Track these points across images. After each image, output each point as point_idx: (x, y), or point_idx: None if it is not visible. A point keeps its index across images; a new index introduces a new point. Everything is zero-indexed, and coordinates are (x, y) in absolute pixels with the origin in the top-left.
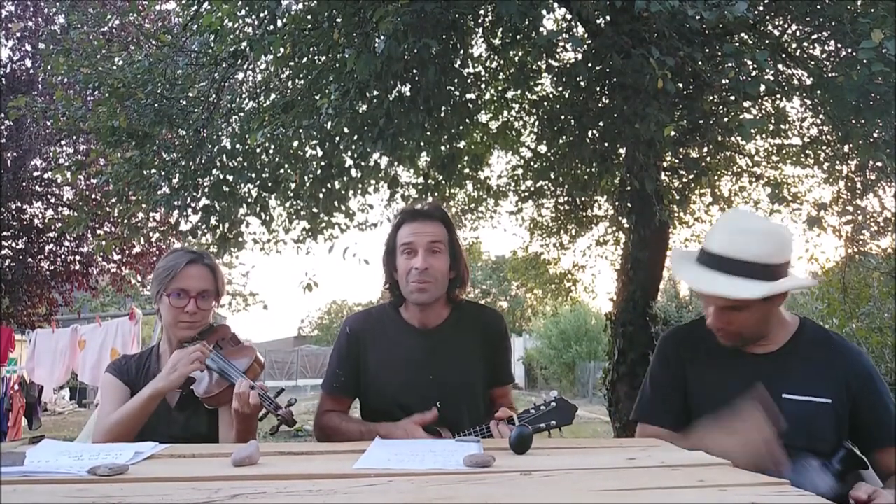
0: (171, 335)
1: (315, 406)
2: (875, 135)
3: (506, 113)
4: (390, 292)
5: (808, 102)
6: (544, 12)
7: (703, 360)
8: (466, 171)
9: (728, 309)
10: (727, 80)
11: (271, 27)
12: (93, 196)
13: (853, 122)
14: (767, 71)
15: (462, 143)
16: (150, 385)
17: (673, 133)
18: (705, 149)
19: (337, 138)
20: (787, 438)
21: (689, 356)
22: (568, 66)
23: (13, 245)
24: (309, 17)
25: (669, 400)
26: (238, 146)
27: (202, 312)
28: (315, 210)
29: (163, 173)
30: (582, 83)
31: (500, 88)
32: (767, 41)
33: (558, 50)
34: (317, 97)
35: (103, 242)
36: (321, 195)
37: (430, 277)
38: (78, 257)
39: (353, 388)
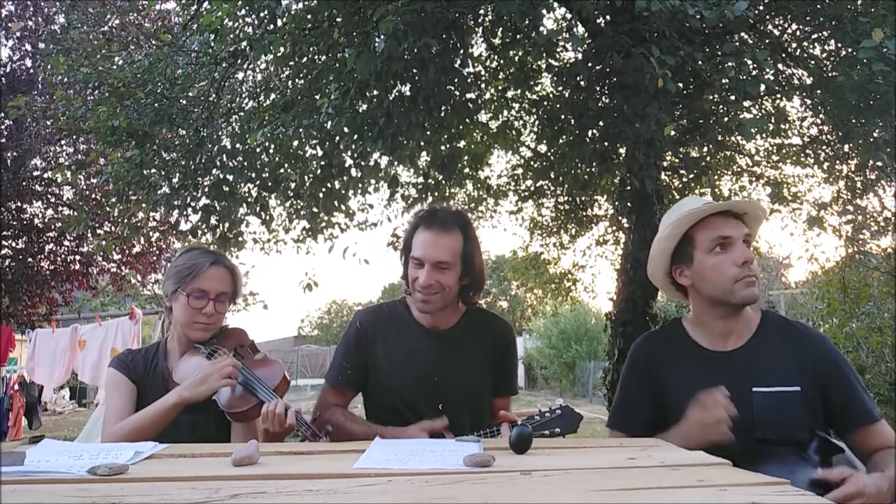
0: (182, 334)
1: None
2: (875, 135)
3: (506, 113)
4: (406, 284)
5: (808, 102)
6: (544, 12)
7: (675, 363)
8: (466, 170)
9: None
10: (727, 80)
11: (271, 27)
12: (93, 196)
13: (853, 121)
14: (767, 70)
15: (462, 143)
16: (175, 393)
17: (673, 133)
18: (705, 148)
19: (337, 138)
20: (762, 431)
21: (662, 362)
22: (568, 65)
23: (13, 245)
24: (309, 16)
25: (638, 408)
26: (238, 146)
27: (218, 315)
28: (315, 210)
29: (163, 173)
30: (582, 83)
31: (500, 88)
32: (767, 41)
33: (558, 49)
34: (317, 97)
35: (103, 242)
36: (321, 195)
37: (435, 291)
38: (78, 257)
39: (358, 382)
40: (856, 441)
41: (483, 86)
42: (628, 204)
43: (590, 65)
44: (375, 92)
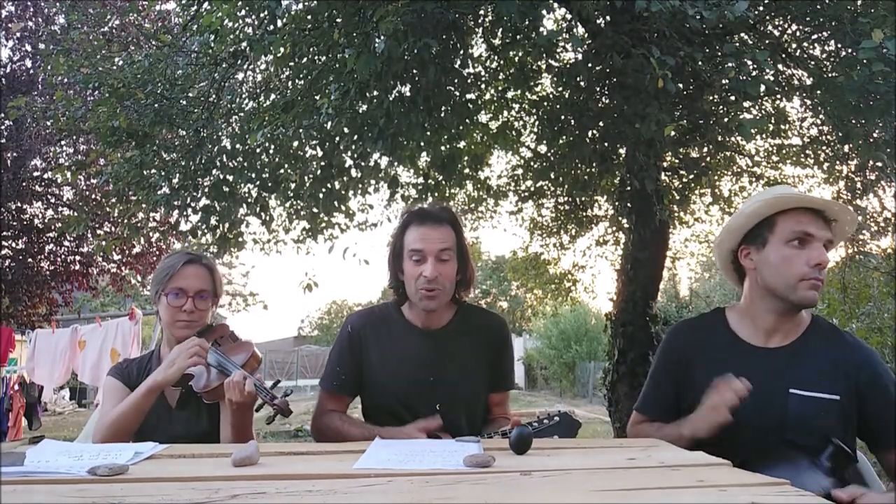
0: (170, 335)
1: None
2: (875, 135)
3: (506, 113)
4: (394, 292)
5: (808, 102)
6: (544, 12)
7: (710, 353)
8: (466, 171)
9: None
10: (727, 80)
11: (271, 27)
12: (93, 196)
13: (853, 122)
14: (767, 71)
15: (462, 143)
16: (148, 378)
17: (673, 133)
18: (705, 149)
19: (337, 138)
20: (793, 435)
21: (696, 350)
22: (568, 66)
23: (13, 245)
24: (309, 17)
25: (666, 395)
26: (238, 146)
27: (199, 312)
28: (315, 210)
29: (163, 173)
30: (582, 83)
31: (500, 88)
32: (767, 41)
33: (558, 50)
34: (317, 97)
35: (103, 242)
36: (321, 195)
37: (439, 285)
38: (78, 257)
39: (353, 386)
40: (889, 460)
41: (483, 86)
42: (628, 204)
43: (590, 65)
44: (375, 92)
